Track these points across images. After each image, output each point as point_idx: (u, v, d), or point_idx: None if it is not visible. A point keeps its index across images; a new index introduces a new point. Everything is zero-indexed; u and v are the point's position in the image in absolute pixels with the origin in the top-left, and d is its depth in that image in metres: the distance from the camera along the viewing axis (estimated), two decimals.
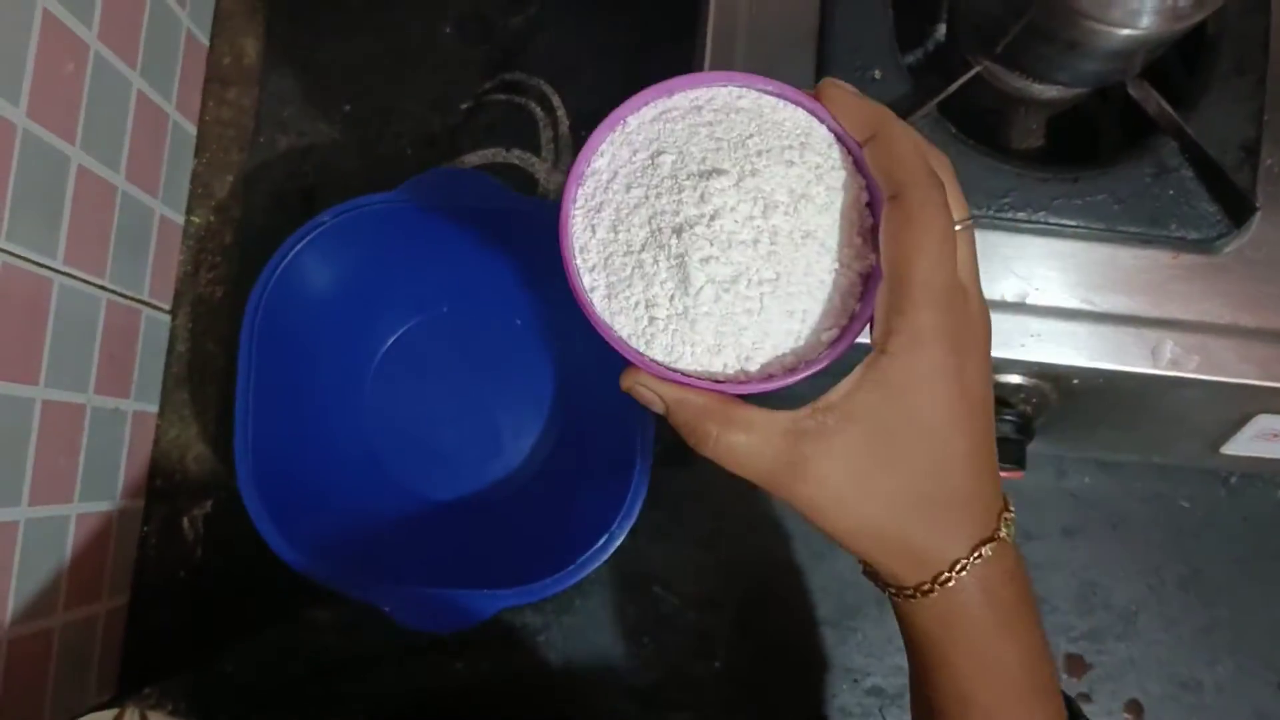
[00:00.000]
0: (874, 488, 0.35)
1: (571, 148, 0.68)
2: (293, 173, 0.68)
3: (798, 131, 0.36)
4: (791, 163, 0.36)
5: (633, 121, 0.37)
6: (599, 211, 0.36)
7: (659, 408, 0.36)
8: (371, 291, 0.63)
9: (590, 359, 0.63)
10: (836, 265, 0.36)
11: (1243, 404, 0.53)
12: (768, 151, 0.36)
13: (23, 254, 0.50)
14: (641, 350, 0.36)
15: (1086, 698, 0.64)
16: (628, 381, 0.37)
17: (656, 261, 0.35)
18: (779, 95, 0.37)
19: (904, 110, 0.49)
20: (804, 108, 0.37)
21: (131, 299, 0.61)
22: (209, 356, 0.66)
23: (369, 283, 0.62)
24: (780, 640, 0.65)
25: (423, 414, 0.65)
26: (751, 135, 0.36)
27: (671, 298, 0.35)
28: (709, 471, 0.65)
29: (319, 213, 0.59)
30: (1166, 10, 0.43)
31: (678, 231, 0.35)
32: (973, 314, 0.36)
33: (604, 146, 0.37)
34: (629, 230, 0.36)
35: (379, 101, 0.69)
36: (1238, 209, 0.49)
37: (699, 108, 0.37)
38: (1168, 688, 0.64)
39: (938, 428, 0.35)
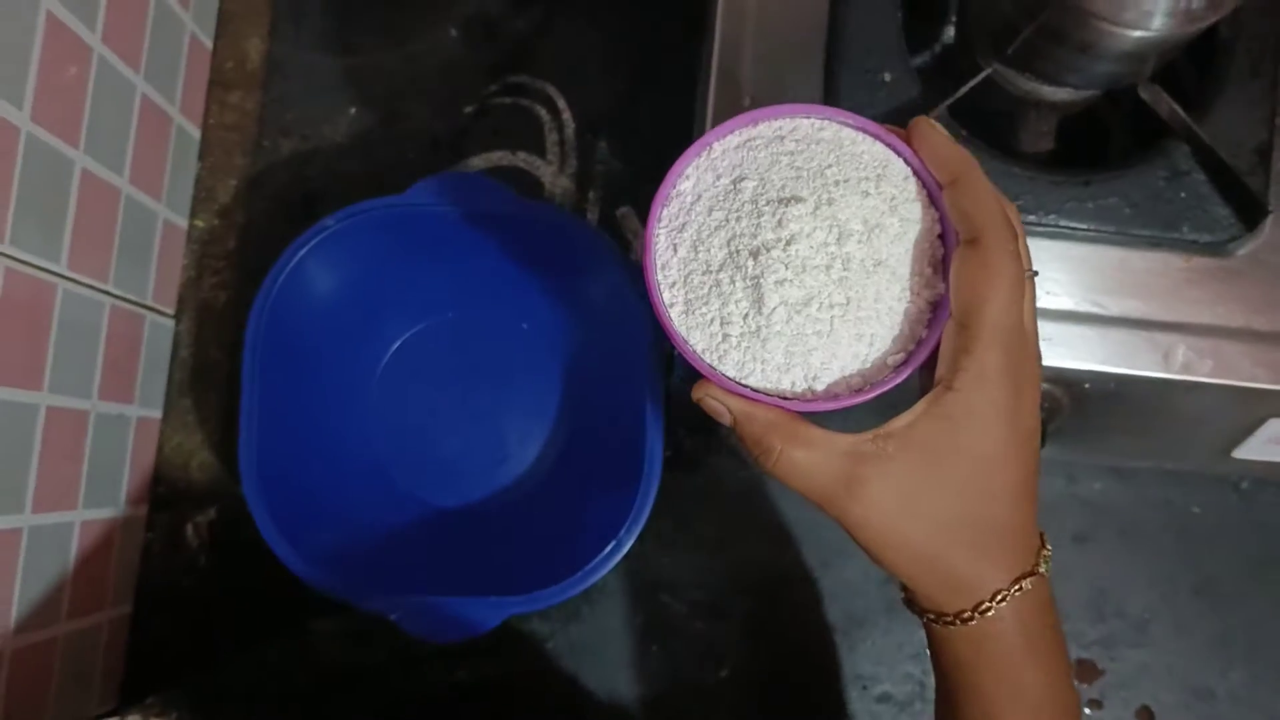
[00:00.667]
0: (924, 513, 0.36)
1: (577, 150, 0.67)
2: (296, 177, 0.68)
3: (875, 164, 0.38)
4: (867, 193, 0.37)
5: (718, 147, 0.39)
6: (681, 231, 0.38)
7: (726, 419, 0.38)
8: (376, 297, 0.63)
9: (598, 365, 0.62)
10: (906, 293, 0.37)
11: (1255, 408, 0.52)
12: (845, 182, 0.37)
13: (26, 259, 0.50)
14: (714, 365, 0.38)
15: (1098, 704, 0.64)
16: (698, 393, 0.38)
17: (733, 281, 0.37)
18: (860, 129, 0.39)
19: (914, 113, 0.49)
20: (882, 142, 0.39)
21: (135, 304, 0.60)
22: (213, 362, 0.65)
23: (373, 288, 0.62)
24: (789, 648, 0.64)
25: (428, 421, 0.64)
26: (830, 165, 0.38)
27: (745, 316, 0.37)
28: (717, 478, 0.66)
29: (323, 217, 0.58)
30: (1180, 12, 0.43)
31: (755, 254, 0.36)
32: (1031, 355, 0.38)
33: (689, 170, 0.39)
34: (709, 250, 0.37)
35: (383, 105, 0.69)
36: (1250, 212, 0.49)
37: (781, 137, 0.39)
38: (1180, 695, 0.64)
39: (991, 461, 0.36)
